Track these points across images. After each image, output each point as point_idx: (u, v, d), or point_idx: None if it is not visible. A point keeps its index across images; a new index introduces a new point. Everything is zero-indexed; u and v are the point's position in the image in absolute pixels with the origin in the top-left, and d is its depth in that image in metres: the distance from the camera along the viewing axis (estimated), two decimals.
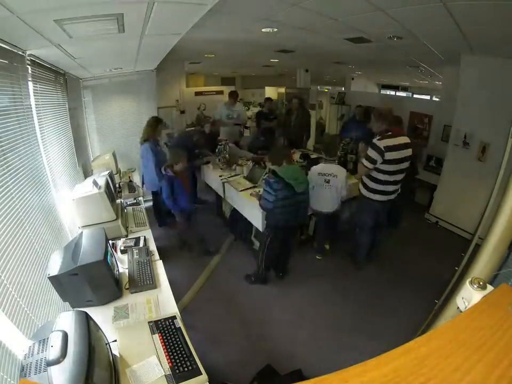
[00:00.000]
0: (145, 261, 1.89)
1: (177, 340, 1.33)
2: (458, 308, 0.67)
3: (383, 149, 2.51)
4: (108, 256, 1.57)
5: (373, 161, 2.58)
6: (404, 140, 2.61)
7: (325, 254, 3.41)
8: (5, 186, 1.36)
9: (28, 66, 1.88)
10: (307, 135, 5.69)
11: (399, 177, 2.68)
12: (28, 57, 1.88)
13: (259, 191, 2.94)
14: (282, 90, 7.38)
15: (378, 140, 2.57)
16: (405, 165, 2.64)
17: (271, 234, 2.73)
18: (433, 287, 2.45)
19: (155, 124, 3.48)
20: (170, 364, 1.21)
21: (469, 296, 0.63)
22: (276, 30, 2.89)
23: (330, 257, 3.40)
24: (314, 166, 3.12)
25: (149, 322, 1.42)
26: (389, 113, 2.72)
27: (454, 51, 3.37)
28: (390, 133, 2.58)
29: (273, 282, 3.02)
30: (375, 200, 2.75)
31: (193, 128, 4.39)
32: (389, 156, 2.52)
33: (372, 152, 2.57)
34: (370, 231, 2.99)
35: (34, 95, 1.99)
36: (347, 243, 3.37)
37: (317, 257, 3.39)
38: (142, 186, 3.60)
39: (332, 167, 2.99)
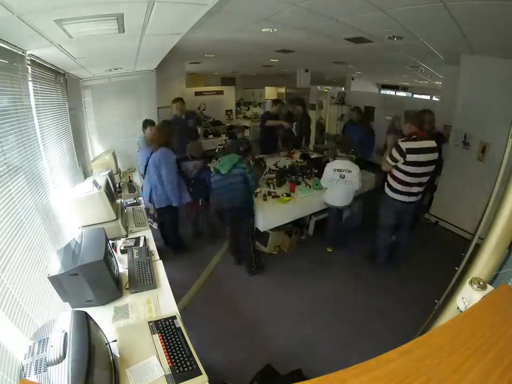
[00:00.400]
0: (145, 261, 1.89)
1: (177, 340, 1.33)
2: (458, 307, 0.67)
3: (405, 151, 2.60)
4: (108, 256, 1.57)
5: (394, 159, 2.70)
6: (430, 144, 2.65)
7: (328, 256, 3.43)
8: (5, 186, 1.36)
9: (28, 66, 1.88)
10: (307, 138, 5.67)
11: (424, 179, 2.74)
12: (28, 57, 1.88)
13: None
14: (282, 90, 7.38)
15: (402, 141, 2.66)
16: (430, 168, 2.70)
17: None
18: (433, 287, 2.45)
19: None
20: (170, 364, 1.21)
21: (469, 296, 0.63)
22: (276, 30, 2.89)
23: (330, 258, 3.39)
24: (330, 162, 3.30)
25: (149, 322, 1.42)
26: (416, 116, 2.75)
27: (454, 51, 3.38)
28: (414, 137, 2.65)
29: (273, 282, 3.02)
30: (397, 200, 2.81)
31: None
32: (410, 158, 2.60)
33: (394, 152, 2.68)
34: (390, 232, 3.05)
35: (34, 95, 1.99)
36: (361, 243, 3.45)
37: (328, 249, 3.50)
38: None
39: (346, 163, 3.13)
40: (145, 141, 3.42)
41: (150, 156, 3.02)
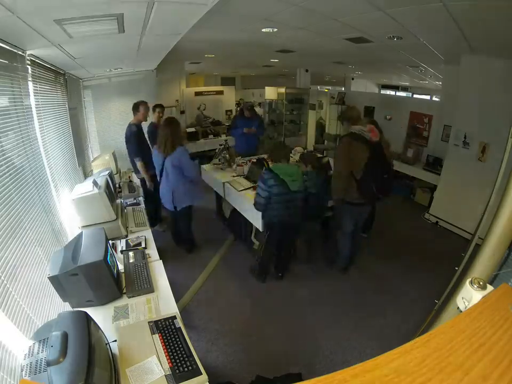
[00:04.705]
0: (141, 264, 1.87)
1: (177, 340, 1.33)
2: (458, 308, 0.67)
3: None
4: (108, 256, 1.57)
5: None
6: None
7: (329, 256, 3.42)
8: (5, 186, 1.36)
9: (28, 66, 1.88)
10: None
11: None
12: (28, 57, 1.88)
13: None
14: (282, 90, 7.37)
15: None
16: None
17: (268, 232, 2.77)
18: (433, 287, 2.45)
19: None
20: (170, 364, 1.21)
21: (469, 296, 0.63)
22: (275, 30, 2.90)
23: (330, 258, 3.39)
24: None
25: (149, 322, 1.41)
26: None
27: (454, 51, 3.38)
28: None
29: (273, 282, 3.02)
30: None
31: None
32: None
33: None
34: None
35: (34, 95, 1.99)
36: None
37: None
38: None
39: None
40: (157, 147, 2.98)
41: (164, 160, 2.89)
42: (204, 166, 4.13)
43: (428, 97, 7.18)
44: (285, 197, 2.55)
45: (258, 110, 8.91)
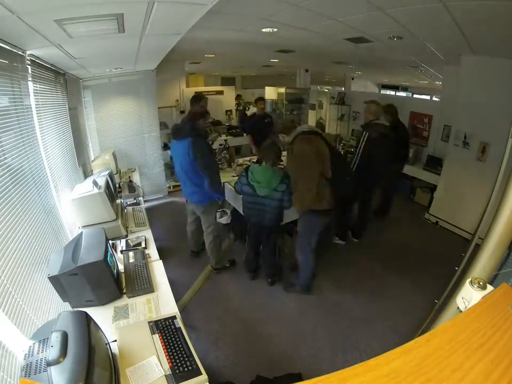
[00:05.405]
0: (141, 264, 1.88)
1: (177, 340, 1.33)
2: (458, 308, 0.67)
3: None
4: (108, 256, 1.57)
5: None
6: None
7: (328, 256, 3.42)
8: (4, 186, 1.36)
9: (28, 66, 1.88)
10: None
11: None
12: (28, 57, 1.88)
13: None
14: (282, 90, 7.38)
15: None
16: None
17: (249, 225, 2.84)
18: (433, 287, 2.45)
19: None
20: (170, 364, 1.21)
21: (469, 296, 0.63)
22: (275, 30, 2.89)
23: (329, 258, 3.39)
24: None
25: (149, 322, 1.42)
26: None
27: (454, 51, 3.38)
28: None
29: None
30: None
31: None
32: None
33: None
34: None
35: (34, 95, 1.99)
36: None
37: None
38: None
39: None
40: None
41: None
42: None
43: (428, 97, 7.19)
44: (252, 198, 2.59)
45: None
